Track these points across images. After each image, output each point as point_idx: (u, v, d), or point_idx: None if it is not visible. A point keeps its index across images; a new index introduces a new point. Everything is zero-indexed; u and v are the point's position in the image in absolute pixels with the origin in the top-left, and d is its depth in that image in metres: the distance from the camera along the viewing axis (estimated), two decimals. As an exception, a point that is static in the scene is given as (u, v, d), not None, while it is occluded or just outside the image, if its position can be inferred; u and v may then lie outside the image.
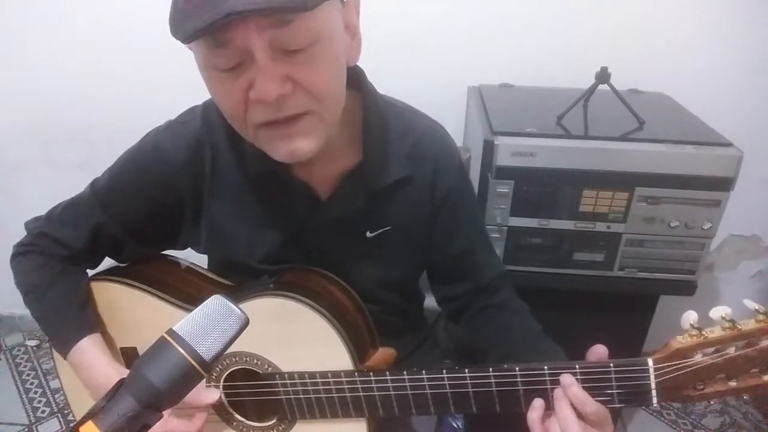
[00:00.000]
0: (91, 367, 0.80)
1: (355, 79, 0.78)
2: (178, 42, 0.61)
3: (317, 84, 0.64)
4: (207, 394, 0.74)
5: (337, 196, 0.81)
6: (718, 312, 0.63)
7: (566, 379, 0.68)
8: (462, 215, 0.90)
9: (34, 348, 2.04)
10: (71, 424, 0.53)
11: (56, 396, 1.83)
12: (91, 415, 0.48)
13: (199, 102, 0.84)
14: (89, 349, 0.80)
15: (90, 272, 0.90)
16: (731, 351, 0.62)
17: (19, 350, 2.03)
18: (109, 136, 1.55)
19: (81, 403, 0.90)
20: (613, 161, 1.13)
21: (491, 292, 0.94)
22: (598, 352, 0.70)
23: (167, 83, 1.56)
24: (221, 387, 0.84)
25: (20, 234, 0.88)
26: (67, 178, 1.10)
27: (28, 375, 1.92)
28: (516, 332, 0.88)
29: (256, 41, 0.59)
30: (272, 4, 0.55)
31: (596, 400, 0.67)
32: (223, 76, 0.63)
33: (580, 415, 0.67)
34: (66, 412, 1.77)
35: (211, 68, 0.64)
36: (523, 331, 0.88)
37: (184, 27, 0.58)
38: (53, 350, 0.85)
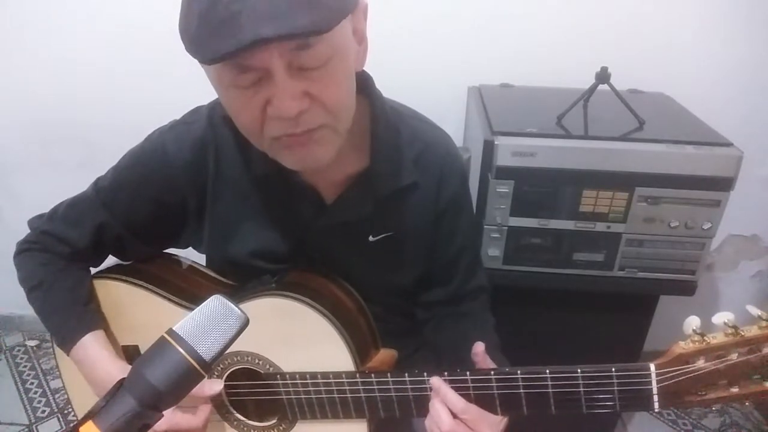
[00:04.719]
0: (94, 364, 0.80)
1: (363, 84, 0.78)
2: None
3: (332, 98, 0.64)
4: (210, 385, 0.75)
5: (343, 200, 0.81)
6: (720, 318, 0.62)
7: (435, 382, 0.72)
8: (461, 222, 0.90)
9: (34, 348, 2.03)
10: (71, 424, 0.53)
11: (56, 396, 1.83)
12: (91, 415, 0.48)
13: (201, 101, 0.84)
14: (92, 345, 0.81)
15: (92, 270, 0.90)
16: (734, 357, 0.62)
17: (19, 350, 2.03)
18: (109, 136, 1.55)
19: (82, 399, 0.90)
20: (613, 161, 1.13)
21: (463, 302, 0.94)
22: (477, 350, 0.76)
23: (168, 83, 1.56)
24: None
25: (20, 234, 0.88)
26: (67, 178, 1.10)
27: (28, 375, 1.91)
28: (469, 342, 0.85)
29: (276, 63, 0.59)
30: (296, 29, 0.55)
31: (596, 405, 0.68)
32: (240, 93, 0.63)
33: (455, 415, 0.71)
34: (66, 411, 1.77)
35: (226, 86, 0.64)
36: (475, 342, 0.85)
37: (205, 51, 0.58)
38: (55, 346, 0.85)
